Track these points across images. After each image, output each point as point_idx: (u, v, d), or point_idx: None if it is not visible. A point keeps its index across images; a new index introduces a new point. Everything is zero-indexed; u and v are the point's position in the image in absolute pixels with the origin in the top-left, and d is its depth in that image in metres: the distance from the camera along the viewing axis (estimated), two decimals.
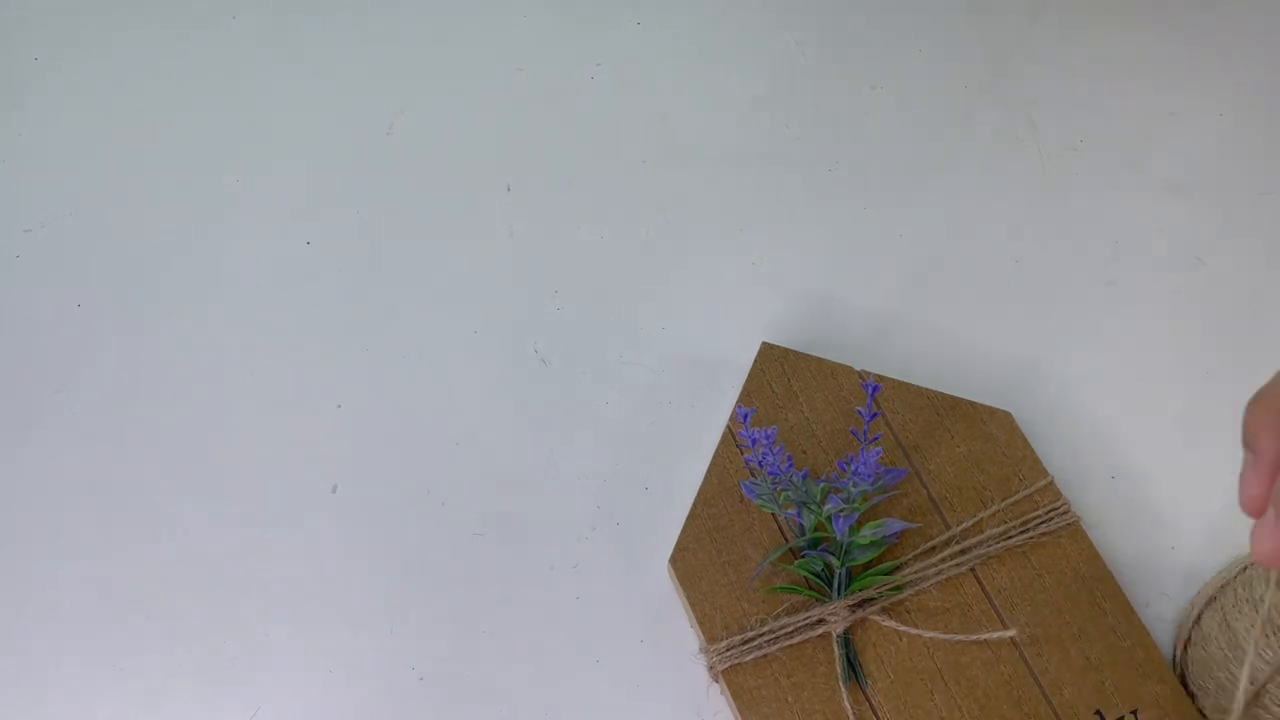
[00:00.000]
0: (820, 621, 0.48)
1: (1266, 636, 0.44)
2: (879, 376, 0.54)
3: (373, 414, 0.57)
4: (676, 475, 0.55)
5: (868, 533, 0.49)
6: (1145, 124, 0.65)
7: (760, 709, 0.47)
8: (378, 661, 0.51)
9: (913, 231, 0.62)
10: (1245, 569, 0.49)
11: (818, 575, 0.49)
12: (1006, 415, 0.54)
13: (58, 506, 0.55)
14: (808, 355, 0.55)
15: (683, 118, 0.66)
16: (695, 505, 0.52)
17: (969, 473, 0.52)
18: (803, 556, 0.49)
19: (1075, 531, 0.50)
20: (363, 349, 0.59)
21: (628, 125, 0.65)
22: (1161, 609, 0.51)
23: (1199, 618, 0.49)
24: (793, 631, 0.48)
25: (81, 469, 0.56)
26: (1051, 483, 0.52)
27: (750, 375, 0.55)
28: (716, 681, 0.49)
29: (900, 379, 0.54)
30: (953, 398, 0.54)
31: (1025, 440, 0.53)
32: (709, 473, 0.52)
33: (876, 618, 0.48)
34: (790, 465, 0.48)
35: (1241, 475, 0.30)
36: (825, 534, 0.49)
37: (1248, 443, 0.30)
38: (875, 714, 0.47)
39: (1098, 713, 0.47)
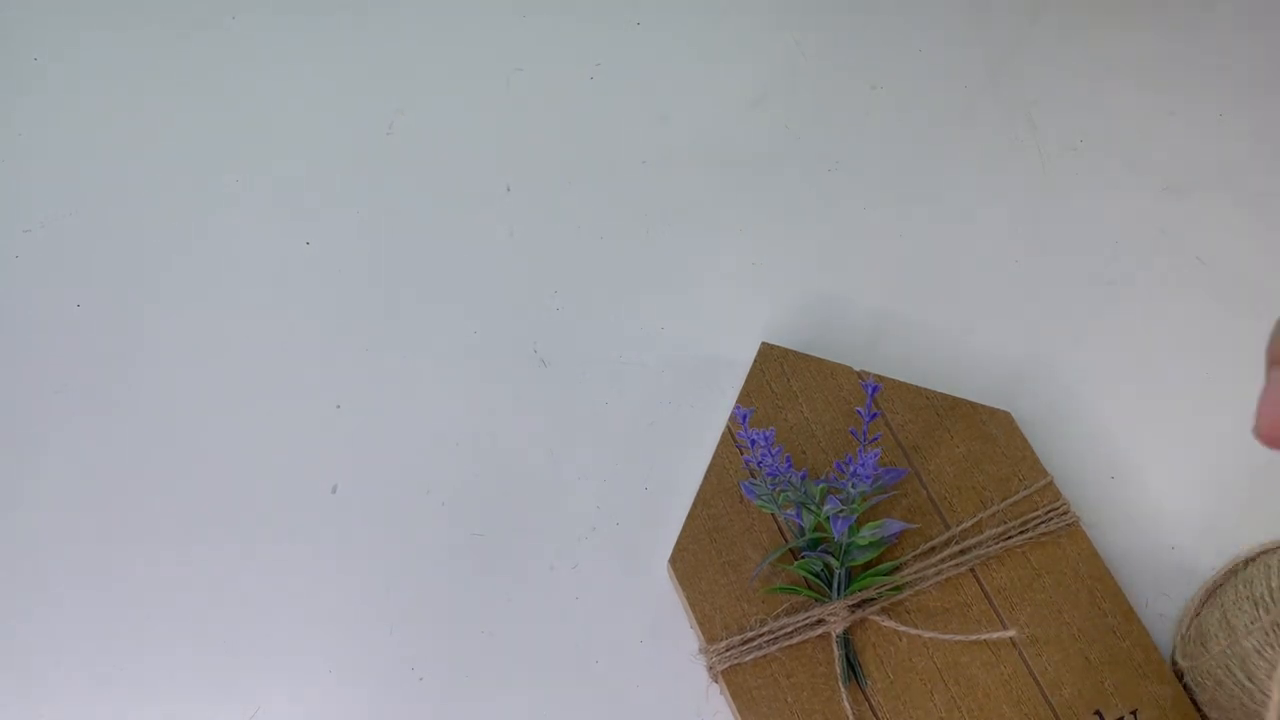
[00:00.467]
0: (820, 622, 0.48)
1: (1267, 634, 0.44)
2: (879, 376, 0.54)
3: (373, 414, 0.57)
4: (676, 475, 0.55)
5: (867, 533, 0.49)
6: (1145, 124, 0.65)
7: (760, 709, 0.47)
8: (378, 661, 0.51)
9: (913, 231, 0.62)
10: (1245, 566, 0.49)
11: (817, 575, 0.49)
12: (1006, 415, 0.54)
13: (57, 506, 0.55)
14: (807, 355, 0.55)
15: (683, 118, 0.66)
16: (695, 505, 0.52)
17: (969, 473, 0.52)
18: (802, 557, 0.49)
19: (1075, 531, 0.50)
20: (363, 349, 0.59)
21: (628, 125, 0.65)
22: (1161, 609, 0.51)
23: (1199, 616, 0.49)
24: (792, 632, 0.48)
25: (81, 469, 0.56)
26: (1051, 483, 0.52)
27: (750, 375, 0.55)
28: (716, 681, 0.49)
29: (900, 379, 0.54)
30: (953, 398, 0.54)
31: (1025, 440, 0.53)
32: (708, 473, 0.52)
33: (876, 618, 0.48)
34: (789, 466, 0.48)
35: (1261, 399, 0.27)
36: (825, 534, 0.49)
37: (1275, 360, 0.28)
38: (875, 714, 0.47)
39: (1097, 713, 0.47)
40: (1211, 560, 0.52)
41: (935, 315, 0.59)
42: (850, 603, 0.48)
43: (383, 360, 0.58)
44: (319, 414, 0.57)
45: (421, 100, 0.66)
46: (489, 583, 0.53)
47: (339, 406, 0.57)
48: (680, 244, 0.62)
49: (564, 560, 0.53)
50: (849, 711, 0.47)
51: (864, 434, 0.49)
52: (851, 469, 0.48)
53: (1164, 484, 0.55)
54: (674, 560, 0.51)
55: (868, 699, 0.47)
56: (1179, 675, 0.49)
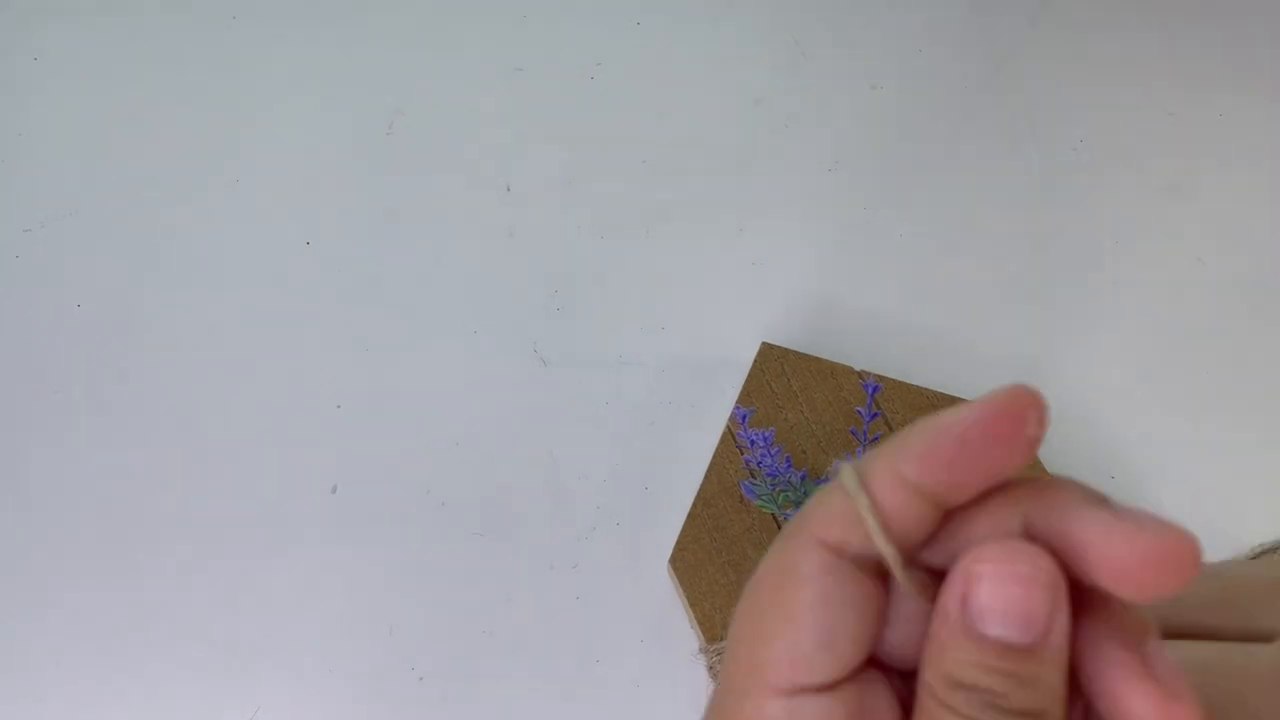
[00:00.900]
0: None
1: None
2: (879, 376, 0.54)
3: (373, 414, 0.57)
4: (676, 475, 0.55)
5: None
6: (1145, 124, 0.65)
7: None
8: (378, 661, 0.51)
9: (913, 231, 0.62)
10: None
11: None
12: None
13: (57, 507, 0.55)
14: (808, 355, 0.55)
15: (683, 117, 0.66)
16: (695, 505, 0.52)
17: None
18: None
19: None
20: (363, 349, 0.59)
21: (628, 125, 0.65)
22: None
23: None
24: None
25: (81, 469, 0.56)
26: None
27: (750, 375, 0.55)
28: (716, 682, 0.49)
29: (900, 379, 0.54)
30: (953, 398, 0.54)
31: None
32: (709, 473, 0.52)
33: None
34: (789, 466, 0.48)
35: None
36: None
37: None
38: None
39: None
40: (1211, 560, 0.52)
41: (935, 315, 0.59)
42: None
43: (383, 360, 0.58)
44: (319, 414, 0.57)
45: (421, 100, 0.66)
46: (489, 583, 0.53)
47: (339, 406, 0.57)
48: (680, 244, 0.62)
49: (564, 560, 0.53)
50: None
51: (864, 434, 0.49)
52: None
53: (1164, 484, 0.54)
54: (674, 560, 0.51)
55: None
56: None
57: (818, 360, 0.55)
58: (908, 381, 0.54)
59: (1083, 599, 0.22)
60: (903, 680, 0.23)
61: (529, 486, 0.55)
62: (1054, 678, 0.21)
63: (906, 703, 0.22)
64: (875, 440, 0.51)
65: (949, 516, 0.22)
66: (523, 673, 0.51)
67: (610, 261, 0.61)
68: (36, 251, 0.62)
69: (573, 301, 0.60)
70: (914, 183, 0.64)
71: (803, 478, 0.48)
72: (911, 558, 0.22)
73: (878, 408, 0.53)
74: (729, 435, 0.53)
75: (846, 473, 0.22)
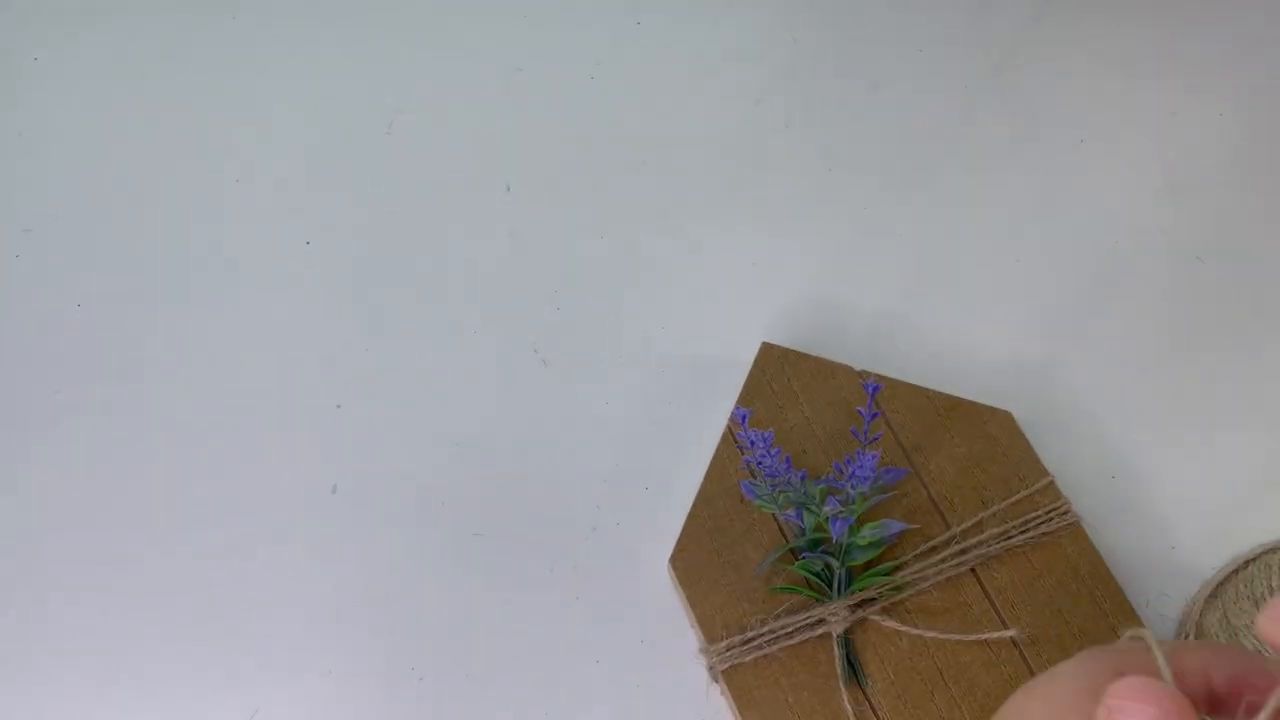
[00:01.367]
0: (820, 622, 0.48)
1: None
2: (879, 376, 0.54)
3: (373, 414, 0.57)
4: (676, 475, 0.55)
5: (867, 533, 0.49)
6: (1145, 124, 0.65)
7: (760, 709, 0.47)
8: (378, 661, 0.51)
9: (913, 231, 0.62)
10: (1245, 566, 0.49)
11: (818, 575, 0.49)
12: (1006, 415, 0.53)
13: (57, 506, 0.55)
14: (808, 355, 0.55)
15: (683, 118, 0.66)
16: (695, 505, 0.52)
17: (969, 473, 0.52)
18: (803, 557, 0.49)
19: (1075, 531, 0.50)
20: (363, 349, 0.59)
21: (628, 125, 0.65)
22: (1161, 608, 0.51)
23: (1200, 615, 0.49)
24: (793, 632, 0.48)
25: (81, 469, 0.56)
26: (1052, 483, 0.52)
27: (750, 375, 0.55)
28: (716, 682, 0.49)
29: (900, 379, 0.54)
30: (953, 398, 0.54)
31: (1025, 440, 0.53)
32: (709, 473, 0.52)
33: (876, 618, 0.48)
34: (789, 467, 0.48)
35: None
36: (825, 535, 0.49)
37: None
38: (875, 714, 0.47)
39: None
40: (1211, 560, 0.52)
41: (935, 315, 0.59)
42: (851, 603, 0.48)
43: (383, 360, 0.58)
44: (319, 414, 0.57)
45: (421, 100, 0.66)
46: (489, 583, 0.53)
47: (339, 406, 0.57)
48: (680, 244, 0.62)
49: (564, 560, 0.53)
50: (849, 711, 0.47)
51: (865, 434, 0.49)
52: (850, 470, 0.48)
53: (1164, 484, 0.54)
54: (674, 560, 0.51)
55: (868, 699, 0.47)
56: None
57: (818, 360, 0.55)
58: (908, 381, 0.54)
59: None
60: None
61: (529, 486, 0.55)
62: None
63: None
64: (875, 440, 0.51)
65: None
66: (523, 673, 0.51)
67: (610, 261, 0.61)
68: (36, 251, 0.62)
69: (573, 301, 0.60)
70: (914, 183, 0.64)
71: (803, 478, 0.48)
72: None
73: (878, 407, 0.53)
74: (729, 435, 0.53)
75: (1153, 641, 0.27)
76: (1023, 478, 0.52)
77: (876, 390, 0.49)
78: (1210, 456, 0.55)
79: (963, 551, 0.50)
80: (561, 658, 0.51)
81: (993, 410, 0.54)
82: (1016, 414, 0.54)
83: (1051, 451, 0.54)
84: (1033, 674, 0.47)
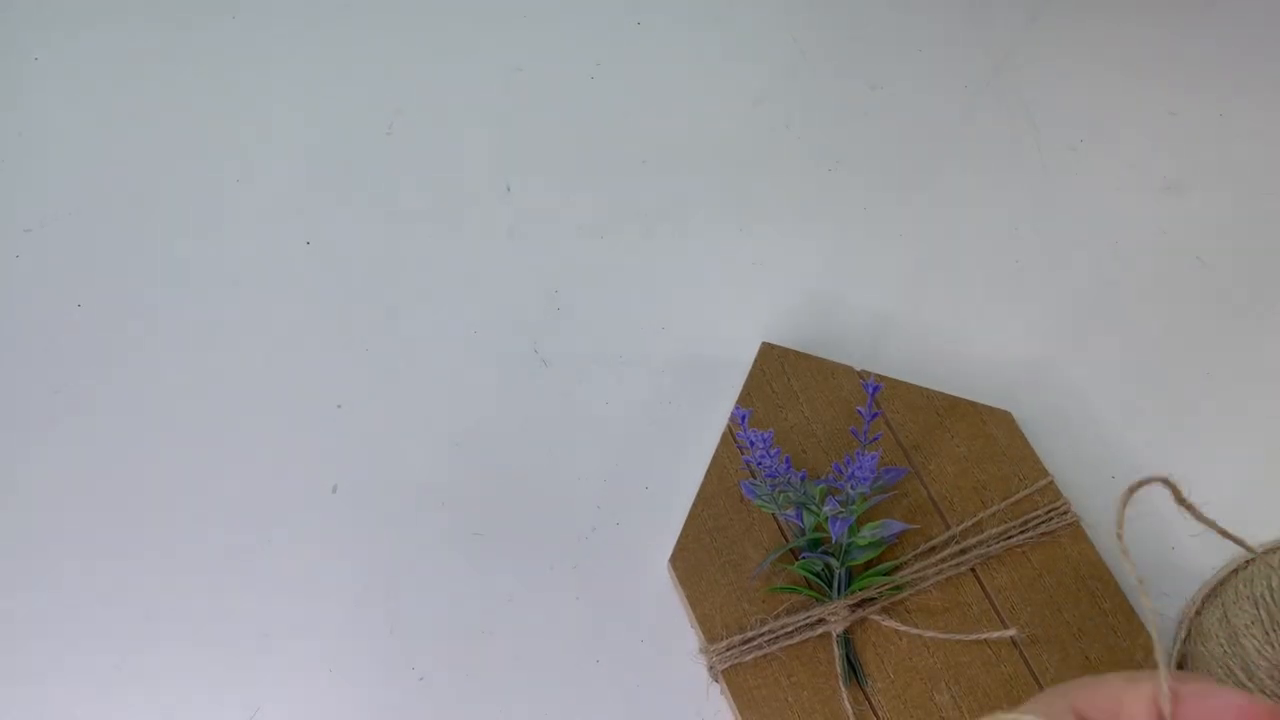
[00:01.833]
0: (820, 621, 0.48)
1: (1267, 634, 0.44)
2: (879, 376, 0.54)
3: (373, 414, 0.57)
4: (676, 475, 0.55)
5: (867, 533, 0.49)
6: (1145, 124, 0.65)
7: (760, 709, 0.47)
8: (378, 661, 0.51)
9: (913, 231, 0.62)
10: (1246, 566, 0.49)
11: (818, 575, 0.49)
12: (1006, 415, 0.53)
13: (57, 507, 0.55)
14: (808, 355, 0.55)
15: (683, 118, 0.66)
16: (695, 505, 0.52)
17: (969, 473, 0.52)
18: (803, 557, 0.49)
19: (1075, 531, 0.50)
20: (363, 349, 0.59)
21: (628, 125, 0.65)
22: (1161, 609, 0.51)
23: (1199, 614, 0.49)
24: (793, 631, 0.48)
25: (81, 469, 0.56)
26: (1051, 483, 0.52)
27: (750, 375, 0.55)
28: (716, 681, 0.49)
29: (900, 379, 0.54)
30: (953, 398, 0.54)
31: (1025, 440, 0.53)
32: (709, 473, 0.52)
33: (876, 618, 0.48)
34: (788, 467, 0.48)
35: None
36: (825, 534, 0.49)
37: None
38: (875, 714, 0.47)
39: None
40: (1211, 560, 0.52)
41: (935, 315, 0.59)
42: (851, 602, 0.48)
43: (383, 360, 0.58)
44: (319, 414, 0.57)
45: (421, 100, 0.66)
46: (489, 583, 0.53)
47: (339, 406, 0.57)
48: (680, 244, 0.62)
49: (564, 560, 0.53)
50: (849, 711, 0.47)
51: (865, 434, 0.49)
52: (850, 470, 0.48)
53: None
54: (674, 560, 0.51)
55: (868, 699, 0.47)
56: None
57: (818, 360, 0.55)
58: (908, 381, 0.54)
59: None
60: None
61: (529, 486, 0.55)
62: None
63: None
64: (875, 440, 0.51)
65: None
66: (523, 673, 0.51)
67: (610, 261, 0.61)
68: (36, 251, 0.62)
69: (573, 301, 0.60)
70: (914, 182, 0.64)
71: (802, 478, 0.48)
72: None
73: (878, 407, 0.53)
74: (729, 435, 0.53)
75: (1163, 681, 0.29)
76: (1022, 478, 0.52)
77: (876, 390, 0.49)
78: (1210, 456, 0.55)
79: (962, 551, 0.50)
80: (561, 658, 0.51)
81: (992, 410, 0.54)
82: (1016, 414, 0.54)
83: (1051, 451, 0.54)
84: (1033, 674, 0.48)
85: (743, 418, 0.48)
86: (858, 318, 0.59)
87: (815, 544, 0.49)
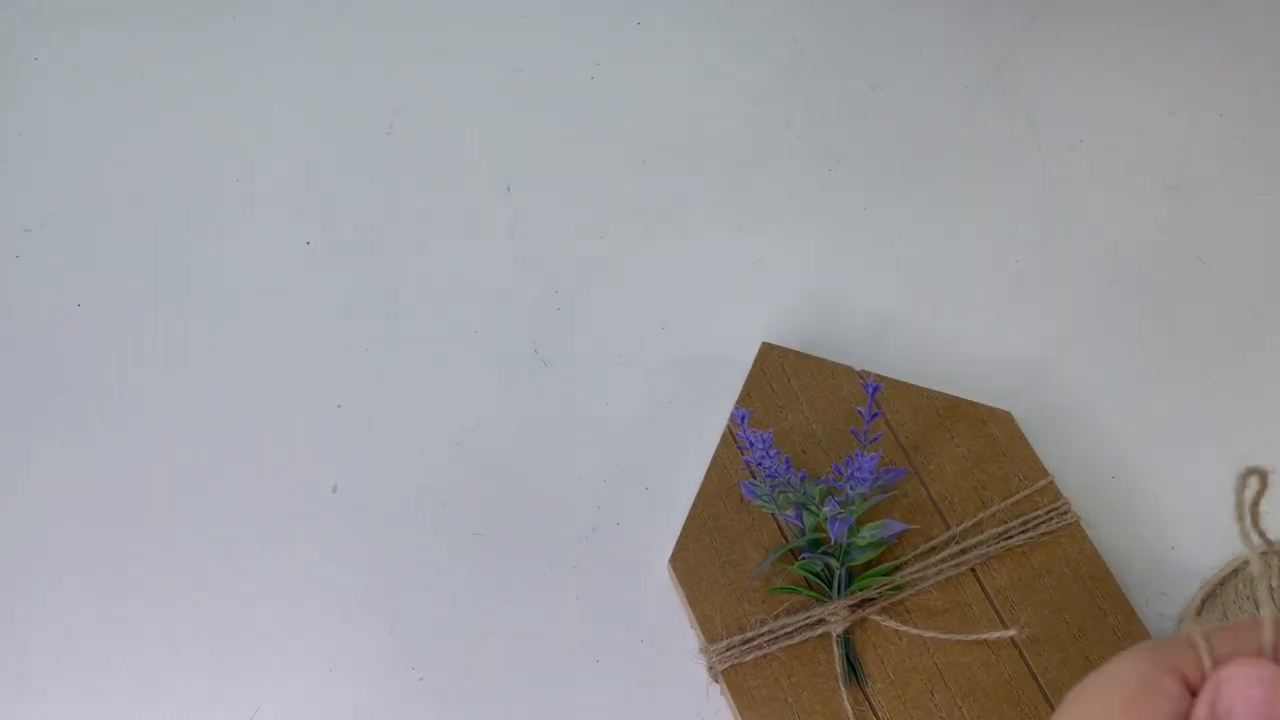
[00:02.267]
0: (820, 622, 0.48)
1: None
2: (879, 376, 0.54)
3: (373, 414, 0.57)
4: (676, 475, 0.55)
5: (867, 534, 0.49)
6: (1145, 124, 0.65)
7: (760, 709, 0.47)
8: (378, 661, 0.51)
9: (913, 231, 0.62)
10: (1246, 566, 0.49)
11: (817, 575, 0.49)
12: (1006, 415, 0.54)
13: (57, 507, 0.55)
14: (808, 355, 0.55)
15: (683, 118, 0.66)
16: (695, 505, 0.52)
17: (969, 473, 0.52)
18: (803, 557, 0.49)
19: (1075, 531, 0.50)
20: (363, 349, 0.59)
21: (628, 125, 0.65)
22: (1161, 609, 0.51)
23: (1199, 613, 0.49)
24: (793, 631, 0.48)
25: (81, 469, 0.56)
26: (1051, 483, 0.52)
27: (750, 375, 0.55)
28: (716, 681, 0.49)
29: (900, 379, 0.54)
30: (953, 398, 0.54)
31: (1025, 440, 0.53)
32: (709, 473, 0.52)
33: (876, 618, 0.48)
34: (788, 467, 0.48)
35: None
36: (825, 535, 0.49)
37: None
38: (875, 714, 0.47)
39: None
40: (1212, 560, 0.52)
41: (935, 315, 0.59)
42: (850, 603, 0.48)
43: (383, 360, 0.58)
44: (319, 414, 0.57)
45: (421, 100, 0.66)
46: (489, 583, 0.53)
47: (339, 406, 0.57)
48: (680, 244, 0.62)
49: (564, 560, 0.53)
50: (849, 711, 0.47)
51: (865, 434, 0.49)
52: (850, 470, 0.48)
53: (1164, 484, 0.54)
54: (674, 560, 0.51)
55: (868, 699, 0.47)
56: None
57: (818, 360, 0.55)
58: (908, 381, 0.54)
59: None
60: None
61: (529, 486, 0.55)
62: None
63: None
64: (874, 441, 0.51)
65: None
66: (523, 673, 0.51)
67: (610, 261, 0.61)
68: (36, 251, 0.62)
69: (573, 301, 0.60)
70: (914, 183, 0.64)
71: (802, 478, 0.48)
72: None
73: (878, 408, 0.53)
74: (729, 435, 0.53)
75: (1200, 638, 0.28)
76: (1022, 478, 0.52)
77: (876, 390, 0.49)
78: (1210, 456, 0.55)
79: (962, 551, 0.50)
80: (561, 658, 0.51)
81: (992, 410, 0.54)
82: (1016, 414, 0.54)
83: (1051, 451, 0.54)
84: (1033, 674, 0.48)
85: (742, 418, 0.48)
86: (858, 318, 0.59)
87: (815, 544, 0.49)
